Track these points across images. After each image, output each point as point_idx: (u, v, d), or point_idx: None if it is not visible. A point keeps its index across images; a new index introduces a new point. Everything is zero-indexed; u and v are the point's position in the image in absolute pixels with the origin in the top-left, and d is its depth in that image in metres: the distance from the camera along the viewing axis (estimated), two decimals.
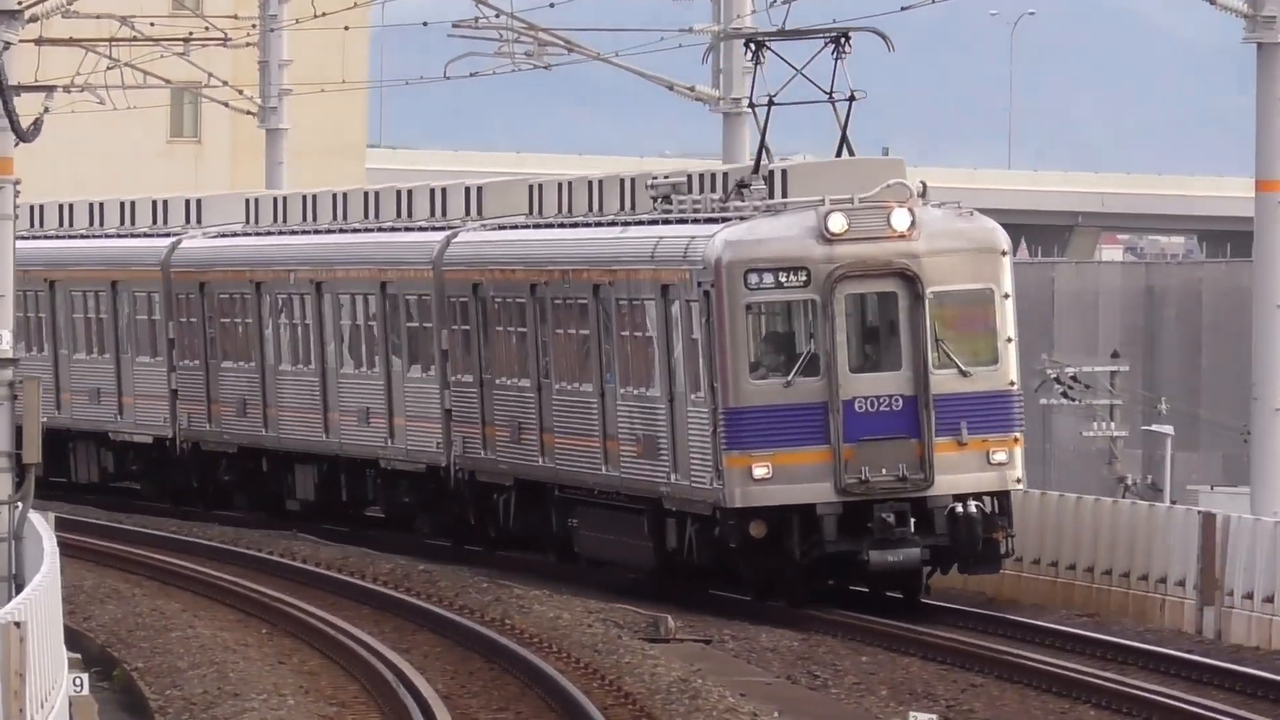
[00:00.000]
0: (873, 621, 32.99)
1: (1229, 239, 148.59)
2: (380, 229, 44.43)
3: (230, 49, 67.02)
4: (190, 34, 65.67)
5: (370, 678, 28.86)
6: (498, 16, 55.52)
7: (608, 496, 38.47)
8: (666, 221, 37.64)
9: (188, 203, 48.78)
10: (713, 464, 34.31)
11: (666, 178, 39.06)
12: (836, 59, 36.73)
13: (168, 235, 47.84)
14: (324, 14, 60.56)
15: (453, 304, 42.26)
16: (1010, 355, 34.56)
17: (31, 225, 52.45)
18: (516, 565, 41.81)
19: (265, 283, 46.31)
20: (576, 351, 39.21)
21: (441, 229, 42.55)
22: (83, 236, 52.07)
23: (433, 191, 43.97)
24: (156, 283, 45.62)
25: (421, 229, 43.17)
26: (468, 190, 43.11)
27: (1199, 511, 36.26)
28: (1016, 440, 34.43)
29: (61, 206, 53.84)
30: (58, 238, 52.66)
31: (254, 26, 68.96)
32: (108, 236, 51.11)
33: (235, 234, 48.75)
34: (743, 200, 35.95)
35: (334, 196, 46.70)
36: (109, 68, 59.06)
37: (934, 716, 25.13)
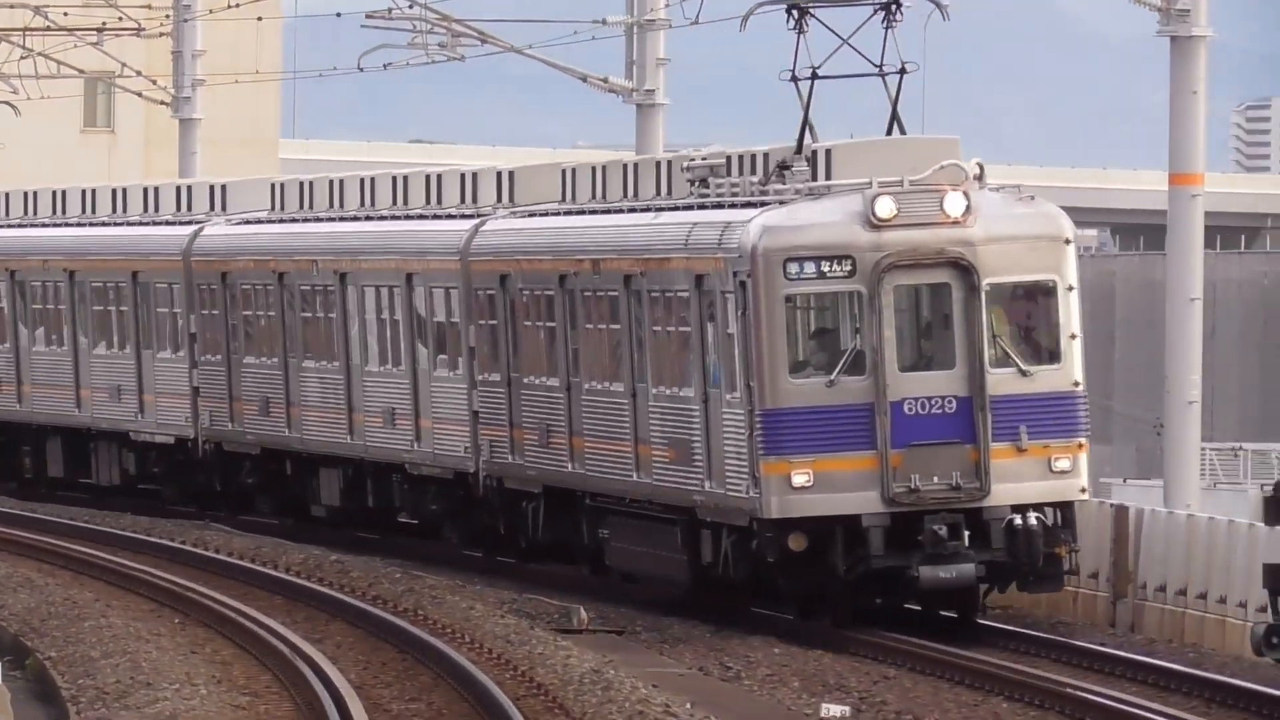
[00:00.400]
0: (775, 615, 32.43)
1: (1142, 232, 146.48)
2: (408, 216, 41.47)
3: (144, 39, 66.88)
4: (104, 24, 65.50)
5: (283, 668, 28.68)
6: (411, 7, 55.46)
7: (640, 506, 35.47)
8: (703, 206, 34.60)
9: (211, 189, 46.00)
10: (749, 471, 31.31)
11: (704, 159, 35.87)
12: (887, 28, 33.64)
13: (191, 223, 45.31)
14: (237, 4, 60.92)
15: (480, 297, 39.13)
16: (1075, 353, 31.23)
17: (54, 212, 51.00)
18: (542, 578, 38.73)
19: (288, 273, 43.49)
20: (607, 348, 35.97)
21: (470, 217, 39.48)
22: (103, 224, 49.08)
23: (463, 177, 41.07)
24: (177, 273, 43.24)
25: (450, 217, 40.20)
26: (499, 175, 40.32)
27: (1111, 505, 35.83)
28: (1081, 446, 31.21)
29: (85, 193, 51.15)
30: (79, 225, 49.94)
31: (167, 17, 68.46)
32: (129, 224, 48.25)
33: (260, 221, 45.88)
34: (784, 183, 32.70)
35: (361, 181, 43.90)
36: (22, 57, 58.36)
37: (846, 709, 26.52)
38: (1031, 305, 31.24)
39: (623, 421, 35.37)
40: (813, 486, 30.35)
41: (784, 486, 30.43)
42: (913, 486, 30.34)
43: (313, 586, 38.51)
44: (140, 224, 47.43)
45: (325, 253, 42.54)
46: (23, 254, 48.74)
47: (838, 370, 30.57)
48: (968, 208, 30.62)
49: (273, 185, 45.75)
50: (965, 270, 30.57)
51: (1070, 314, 31.14)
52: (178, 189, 47.85)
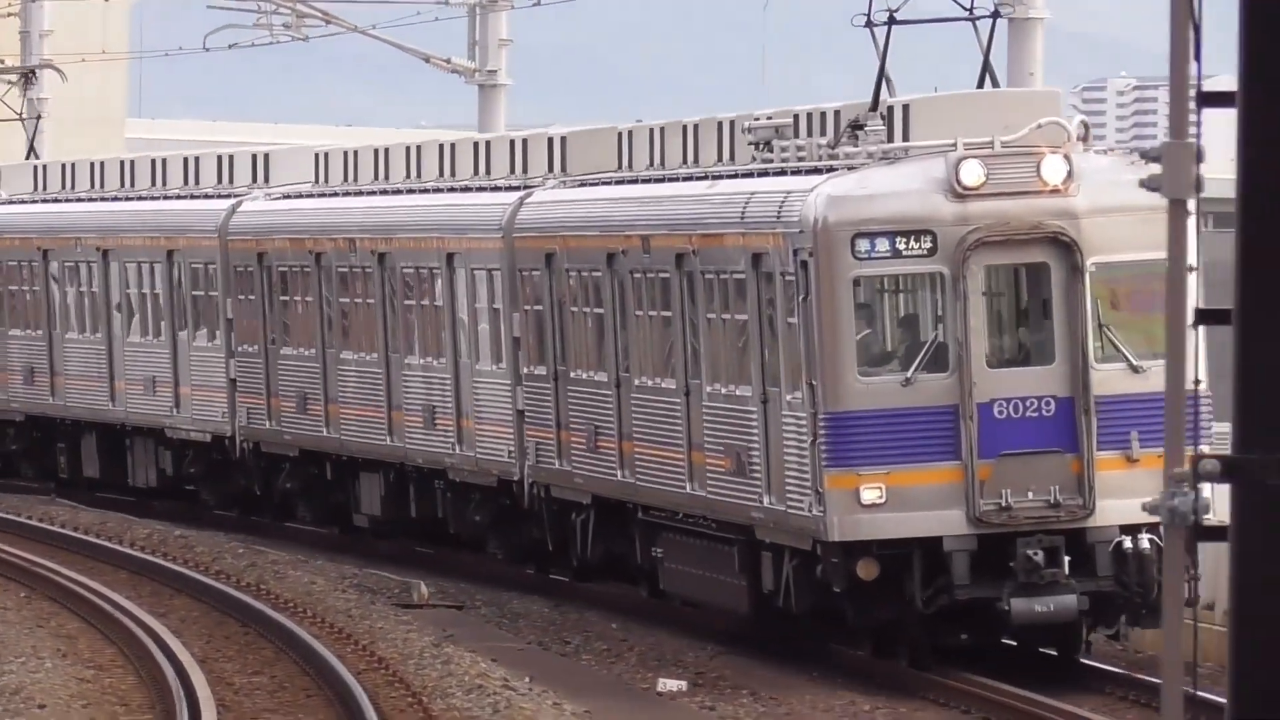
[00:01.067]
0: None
1: None
2: (451, 189, 35.70)
3: None
4: None
5: (128, 641, 29.42)
6: None
7: (695, 521, 29.79)
8: (764, 174, 28.99)
9: (254, 158, 41.05)
10: (811, 485, 25.89)
11: (770, 119, 29.85)
12: None
13: (230, 196, 40.52)
14: None
15: (523, 278, 33.32)
16: (1196, 345, 26.54)
17: (92, 185, 46.21)
18: (596, 598, 33.47)
19: (324, 253, 37.92)
20: (658, 339, 29.99)
21: (517, 189, 33.71)
22: (140, 199, 44.08)
23: (512, 144, 35.21)
24: (214, 252, 38.35)
25: (496, 189, 34.38)
26: (550, 142, 34.02)
27: None
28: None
29: (123, 164, 46.09)
30: (115, 200, 45.05)
31: None
32: (165, 199, 43.32)
33: (299, 195, 40.40)
34: (855, 145, 27.30)
35: (407, 150, 38.11)
36: None
37: (683, 683, 27.31)
38: (1146, 289, 25.50)
39: (675, 424, 29.74)
40: (885, 503, 25.06)
41: (851, 503, 25.11)
42: (1004, 504, 24.98)
43: (158, 561, 37.96)
44: (178, 198, 42.72)
45: (364, 231, 37.24)
46: (55, 231, 44.20)
47: (915, 366, 25.18)
48: (1069, 173, 25.18)
49: (315, 155, 40.25)
50: (1067, 247, 25.14)
51: (1191, 299, 26.51)
52: (219, 158, 42.75)
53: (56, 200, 46.49)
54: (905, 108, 27.17)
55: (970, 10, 28.10)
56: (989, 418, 25.04)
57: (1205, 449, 27.35)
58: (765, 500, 27.51)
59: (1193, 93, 8.64)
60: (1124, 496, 24.96)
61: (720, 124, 30.96)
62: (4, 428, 46.42)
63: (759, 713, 25.96)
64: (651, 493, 30.82)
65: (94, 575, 35.31)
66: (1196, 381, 24.79)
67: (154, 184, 43.95)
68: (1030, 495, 25.07)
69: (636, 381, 31.33)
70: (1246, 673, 8.51)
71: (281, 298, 39.53)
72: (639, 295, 30.96)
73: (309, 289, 38.39)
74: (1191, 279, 25.90)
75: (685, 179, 31.06)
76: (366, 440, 38.36)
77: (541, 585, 33.36)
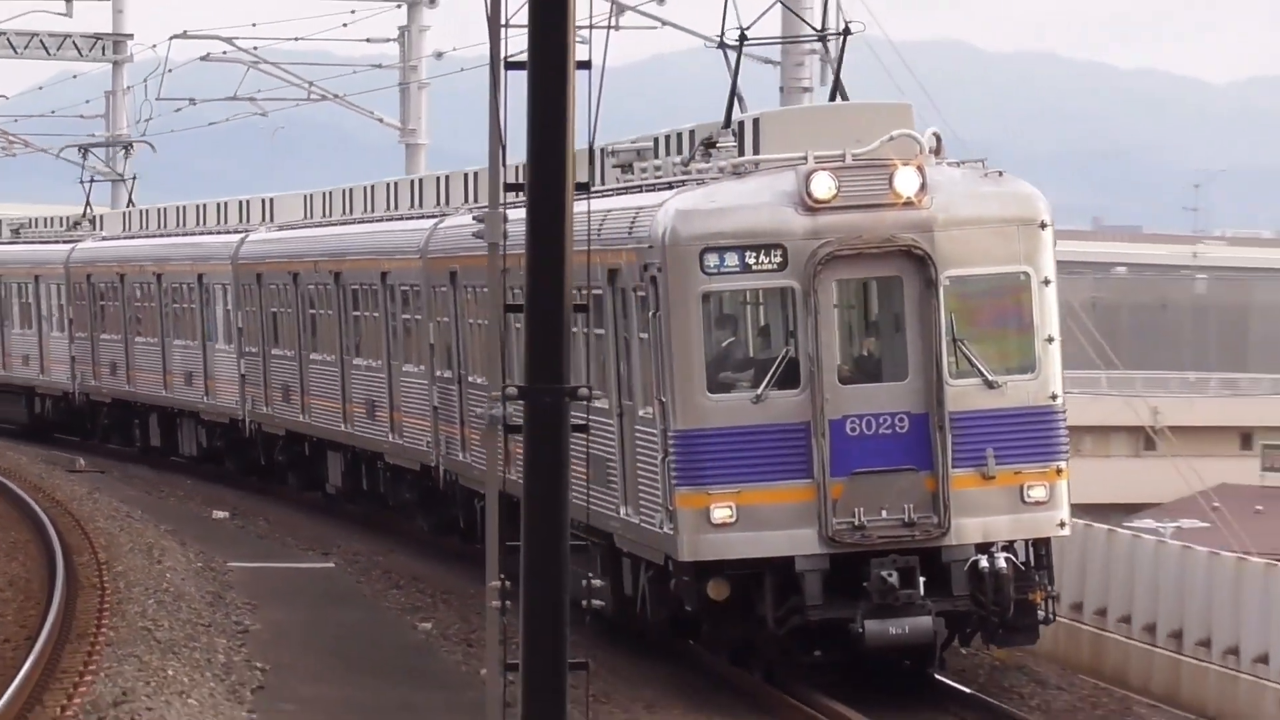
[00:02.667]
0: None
1: None
2: (390, 219, 39.51)
3: None
4: None
5: None
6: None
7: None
8: (621, 193, 26.71)
9: (263, 201, 47.98)
10: (663, 501, 22.97)
11: (633, 143, 28.31)
12: None
13: (244, 232, 46.73)
14: None
15: (435, 293, 34.22)
16: (1052, 360, 22.86)
17: (159, 225, 55.05)
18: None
19: (299, 274, 41.95)
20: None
21: (433, 217, 35.63)
22: (182, 235, 52.08)
23: (437, 180, 38.35)
24: (228, 275, 44.90)
25: (420, 217, 36.83)
26: (465, 176, 35.63)
27: None
28: (1060, 471, 22.78)
29: (166, 210, 55.14)
30: (163, 236, 53.37)
31: None
32: (197, 234, 50.78)
33: (287, 228, 45.79)
34: (708, 161, 24.57)
35: (365, 190, 42.65)
36: None
37: (227, 513, 43.59)
38: (1001, 303, 23.10)
39: None
40: (736, 523, 22.13)
41: (701, 523, 22.18)
42: (857, 523, 22.04)
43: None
44: (205, 234, 49.91)
45: (325, 255, 40.79)
46: (125, 260, 53.24)
47: (766, 383, 22.33)
48: (923, 185, 22.34)
49: (304, 197, 46.70)
50: (920, 261, 22.29)
51: (1047, 313, 22.79)
52: (240, 203, 49.98)
53: (133, 237, 56.58)
54: (755, 121, 24.23)
55: (822, 30, 26.12)
56: (841, 435, 22.18)
57: (1061, 465, 25.93)
58: (622, 511, 24.90)
59: None
60: (979, 514, 22.42)
61: (591, 152, 30.13)
62: (98, 407, 56.67)
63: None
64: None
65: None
66: (1053, 397, 23.20)
67: (197, 223, 52.33)
68: (884, 514, 22.17)
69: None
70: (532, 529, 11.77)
71: (272, 310, 43.89)
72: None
73: (290, 302, 42.65)
74: (1050, 291, 23.04)
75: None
76: (329, 426, 41.02)
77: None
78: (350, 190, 43.16)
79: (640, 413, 23.98)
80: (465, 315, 32.39)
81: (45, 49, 69.90)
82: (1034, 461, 22.81)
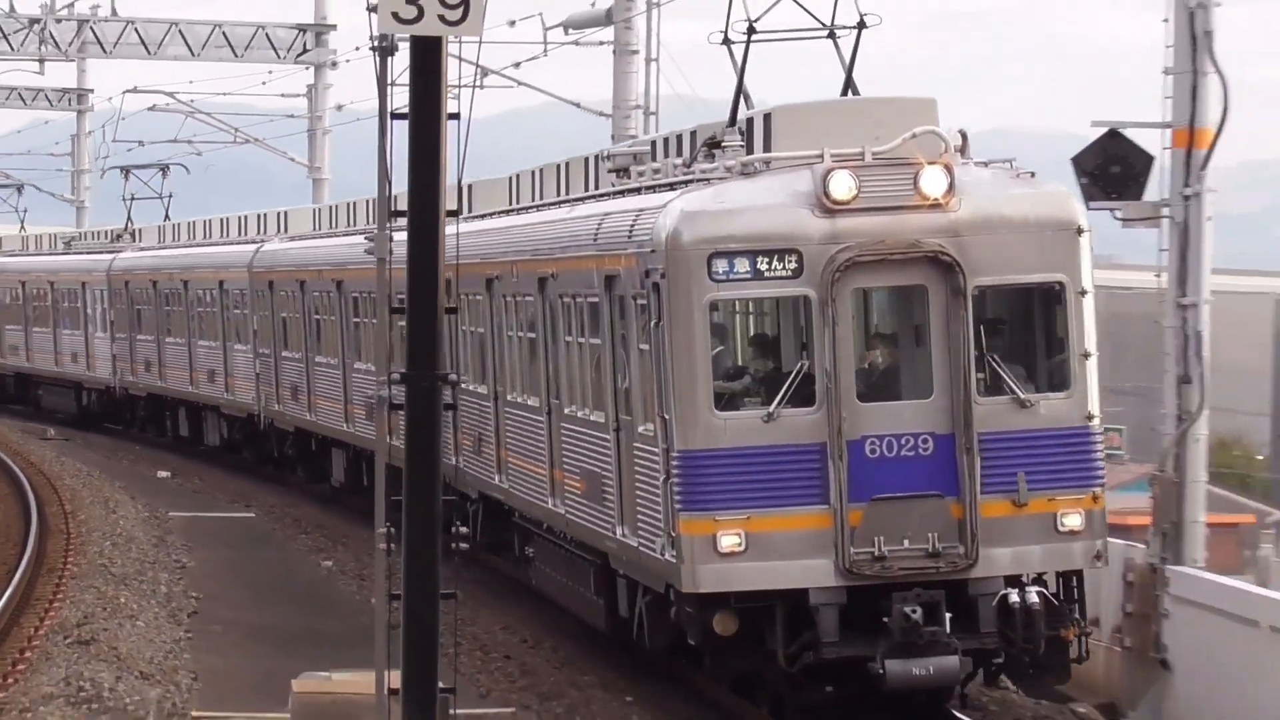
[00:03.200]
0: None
1: None
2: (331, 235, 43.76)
3: None
4: None
5: None
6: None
7: (558, 535, 25.77)
8: (620, 194, 24.45)
9: (279, 215, 50.52)
10: (664, 525, 20.48)
11: (629, 148, 26.59)
12: None
13: (259, 242, 49.15)
14: None
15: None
16: (1088, 377, 20.21)
17: (190, 236, 59.93)
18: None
19: (306, 281, 43.13)
20: (527, 358, 27.36)
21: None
22: (207, 244, 56.17)
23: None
24: (245, 281, 47.05)
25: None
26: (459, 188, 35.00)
27: None
28: (1096, 499, 20.14)
29: (208, 222, 59.35)
30: (190, 247, 57.82)
31: None
32: (219, 244, 54.37)
33: (298, 238, 47.40)
34: (713, 162, 22.08)
35: (367, 204, 42.21)
36: None
37: (168, 473, 49.76)
38: (1034, 315, 20.69)
39: (540, 441, 26.26)
40: (745, 551, 19.57)
41: (707, 551, 19.62)
42: (877, 553, 19.51)
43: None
44: (226, 244, 52.92)
45: (328, 264, 41.61)
46: (157, 269, 57.03)
47: (779, 400, 19.73)
48: (950, 186, 19.74)
49: (314, 211, 49.50)
50: (948, 268, 19.66)
51: (1084, 326, 20.14)
52: (258, 216, 52.74)
53: (164, 248, 60.89)
54: (767, 117, 21.49)
55: (830, 25, 23.19)
56: (860, 457, 19.56)
57: (1098, 491, 23.36)
58: (618, 532, 22.45)
59: None
60: (1009, 544, 19.84)
61: (586, 160, 27.86)
62: (135, 400, 60.52)
63: None
64: (522, 500, 27.44)
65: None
66: (1089, 417, 20.51)
67: (221, 235, 55.97)
68: (906, 544, 19.56)
69: (509, 396, 28.03)
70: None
71: (282, 314, 44.92)
72: (512, 317, 27.94)
73: (298, 308, 43.71)
74: (1087, 302, 20.26)
75: (553, 206, 28.08)
76: (332, 425, 41.22)
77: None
78: (353, 204, 43.88)
79: (640, 429, 21.43)
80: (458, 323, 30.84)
81: (23, 100, 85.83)
82: (1068, 487, 20.31)
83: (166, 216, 65.78)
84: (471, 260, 26.49)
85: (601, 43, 43.01)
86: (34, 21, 69.28)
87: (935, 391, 20.01)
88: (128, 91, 71.56)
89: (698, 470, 19.76)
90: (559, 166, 29.14)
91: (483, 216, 31.27)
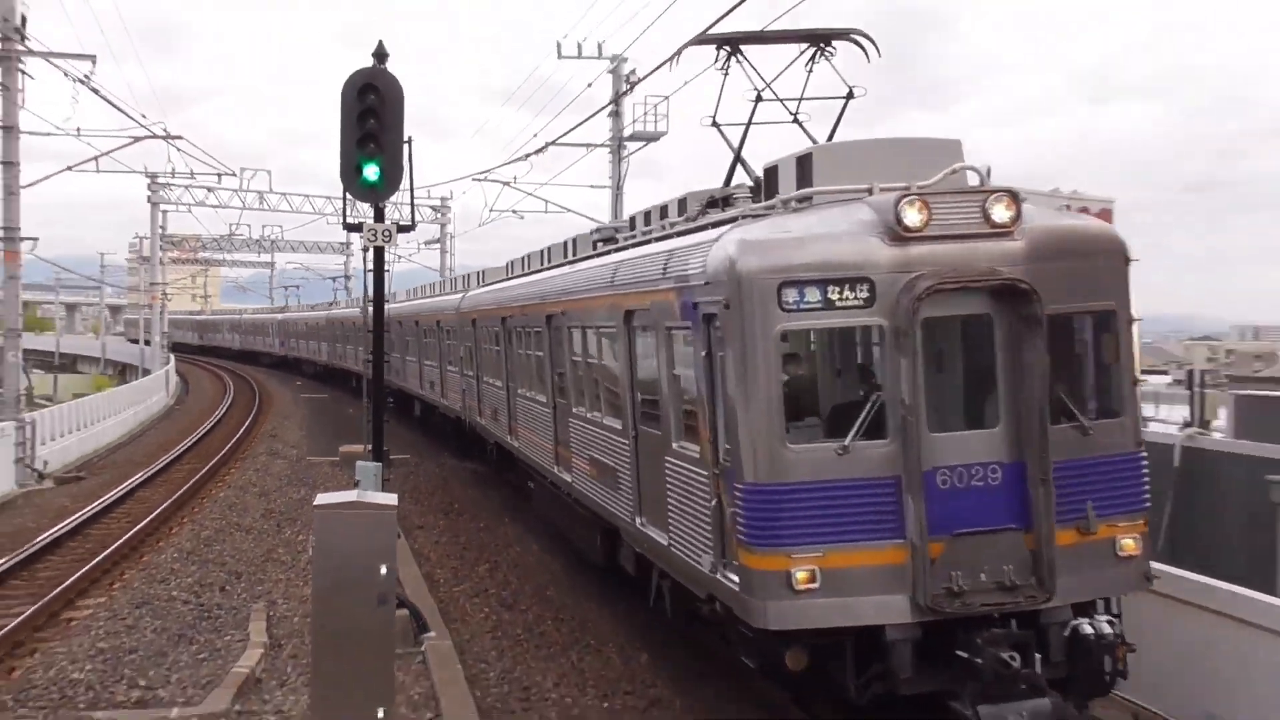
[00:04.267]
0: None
1: None
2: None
3: None
4: None
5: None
6: None
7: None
8: (622, 249, 25.05)
9: (479, 273, 55.78)
10: (713, 544, 19.39)
11: (611, 224, 30.24)
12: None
13: (463, 293, 54.86)
14: None
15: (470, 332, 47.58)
16: (1137, 403, 19.49)
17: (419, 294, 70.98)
18: None
19: (499, 318, 44.67)
20: (535, 368, 32.93)
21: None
22: (433, 296, 65.95)
23: (478, 274, 53.32)
24: (455, 320, 52.88)
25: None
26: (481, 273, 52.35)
27: None
28: (1145, 521, 19.33)
29: (438, 284, 69.71)
30: (429, 297, 66.80)
31: None
32: (438, 295, 64.31)
33: (487, 288, 50.27)
34: (725, 209, 21.60)
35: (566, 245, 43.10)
36: None
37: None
38: (1090, 342, 19.66)
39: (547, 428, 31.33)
40: (819, 588, 18.17)
41: (780, 587, 18.14)
42: (955, 588, 18.28)
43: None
44: (444, 295, 61.32)
45: (492, 305, 44.12)
46: (410, 313, 66.97)
47: (854, 433, 18.42)
48: (1017, 215, 18.76)
49: (507, 265, 51.15)
50: (1021, 295, 18.57)
51: (1132, 353, 19.34)
52: (480, 274, 56.85)
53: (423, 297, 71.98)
54: (804, 158, 20.70)
55: (795, 116, 23.47)
56: (933, 489, 18.36)
57: (1146, 514, 20.60)
58: (637, 521, 22.04)
59: None
60: (1077, 573, 18.73)
61: (578, 239, 32.93)
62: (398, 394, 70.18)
63: None
64: (531, 464, 33.39)
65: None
66: (1139, 444, 19.45)
67: (456, 291, 61.35)
68: (982, 577, 18.33)
69: (519, 390, 35.42)
70: None
71: (484, 346, 46.77)
72: (522, 340, 34.29)
73: (497, 340, 43.98)
74: (1135, 330, 18.93)
75: (559, 266, 32.55)
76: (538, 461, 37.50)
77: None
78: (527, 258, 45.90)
79: (674, 445, 20.89)
80: (483, 344, 43.54)
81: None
82: (1125, 512, 18.96)
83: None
84: (490, 307, 40.78)
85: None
86: None
87: (1002, 420, 19.08)
88: None
89: (769, 504, 18.37)
90: (564, 245, 35.12)
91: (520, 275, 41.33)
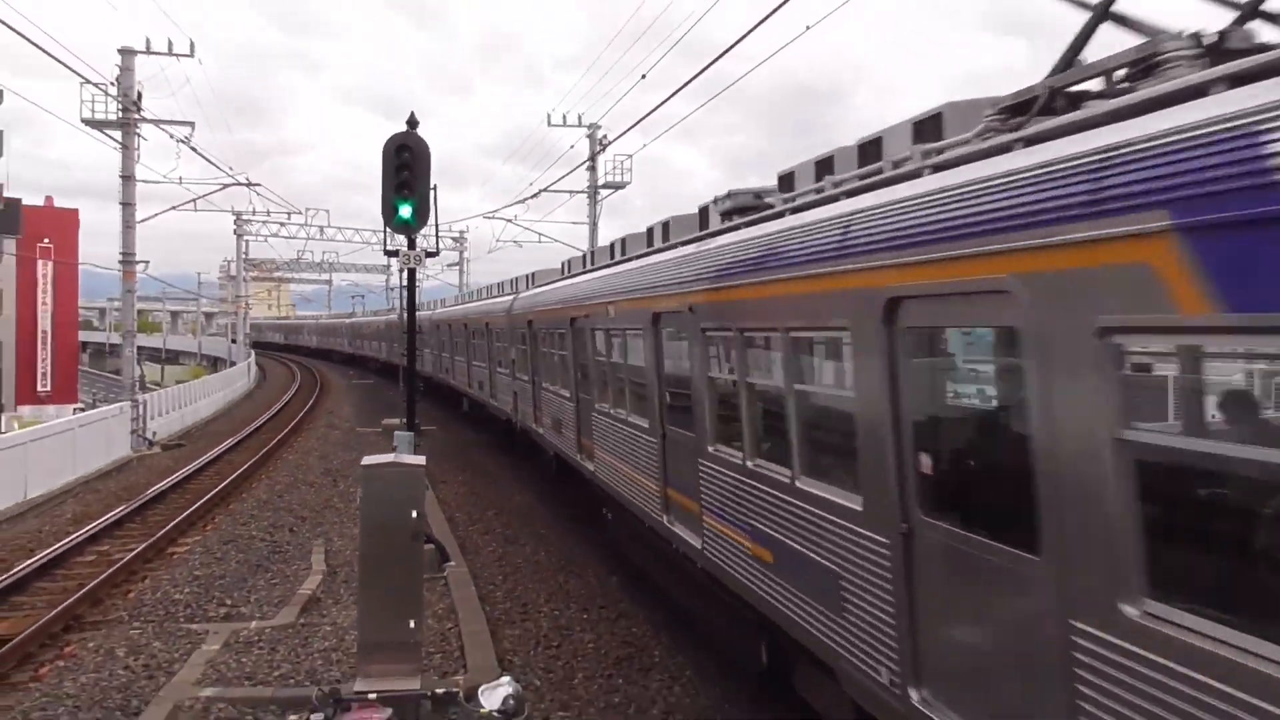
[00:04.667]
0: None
1: None
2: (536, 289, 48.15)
3: None
4: None
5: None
6: None
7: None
8: (641, 256, 25.00)
9: (529, 276, 57.01)
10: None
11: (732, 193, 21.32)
12: None
13: (514, 295, 55.68)
14: None
15: (523, 335, 44.30)
16: None
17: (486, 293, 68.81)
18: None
19: (535, 321, 44.28)
20: (559, 368, 33.71)
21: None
22: (484, 300, 66.93)
23: (528, 276, 52.54)
24: (506, 321, 53.25)
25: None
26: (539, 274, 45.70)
27: None
28: None
29: (492, 287, 69.21)
30: (488, 299, 65.88)
31: None
32: (490, 299, 64.58)
33: (543, 290, 47.89)
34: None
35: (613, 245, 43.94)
36: None
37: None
38: None
39: (652, 465, 29.90)
40: None
41: None
42: None
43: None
44: (490, 297, 63.47)
45: (560, 303, 39.84)
46: (459, 317, 69.39)
47: None
48: None
49: (562, 265, 49.59)
50: None
51: None
52: (528, 278, 58.18)
53: (480, 300, 70.88)
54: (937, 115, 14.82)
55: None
56: None
57: None
58: (664, 519, 21.23)
59: None
60: None
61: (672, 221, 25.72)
62: (440, 386, 74.16)
63: None
64: (622, 500, 25.54)
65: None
66: None
67: (504, 293, 62.38)
68: None
69: (545, 385, 36.43)
70: None
71: (543, 350, 43.27)
72: (547, 341, 36.04)
73: (552, 342, 41.83)
74: None
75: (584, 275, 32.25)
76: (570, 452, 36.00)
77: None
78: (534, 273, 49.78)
79: (709, 449, 19.60)
80: (539, 346, 40.00)
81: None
82: None
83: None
84: (545, 309, 36.98)
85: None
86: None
87: None
88: None
89: None
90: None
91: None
